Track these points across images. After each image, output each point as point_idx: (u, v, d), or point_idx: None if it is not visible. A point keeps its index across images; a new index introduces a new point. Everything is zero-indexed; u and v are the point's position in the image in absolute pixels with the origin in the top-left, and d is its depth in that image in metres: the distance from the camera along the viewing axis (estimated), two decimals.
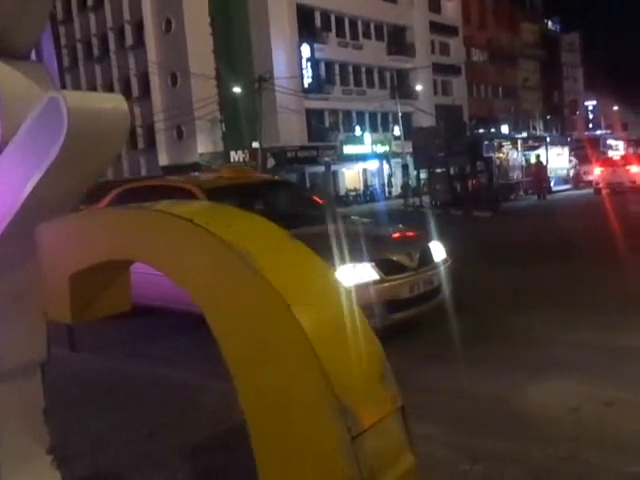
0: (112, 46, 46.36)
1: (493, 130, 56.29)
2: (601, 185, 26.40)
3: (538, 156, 33.52)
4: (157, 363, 5.76)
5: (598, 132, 63.93)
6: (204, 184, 6.27)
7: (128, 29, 44.64)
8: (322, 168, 44.03)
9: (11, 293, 2.38)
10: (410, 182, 39.74)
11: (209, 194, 6.03)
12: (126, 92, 45.00)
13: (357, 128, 46.52)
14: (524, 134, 61.51)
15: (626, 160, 29.28)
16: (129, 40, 44.81)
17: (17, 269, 2.34)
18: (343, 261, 5.35)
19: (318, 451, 1.38)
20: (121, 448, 3.86)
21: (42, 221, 2.12)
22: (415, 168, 43.66)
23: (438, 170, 33.17)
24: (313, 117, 44.66)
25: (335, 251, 5.26)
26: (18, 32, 2.31)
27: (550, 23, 74.54)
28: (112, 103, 2.12)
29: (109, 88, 45.65)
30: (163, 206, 1.92)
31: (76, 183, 2.24)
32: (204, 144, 42.04)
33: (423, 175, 38.48)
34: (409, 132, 46.69)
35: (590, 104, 78.32)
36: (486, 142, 41.23)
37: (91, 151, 2.09)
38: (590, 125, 75.59)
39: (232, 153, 41.23)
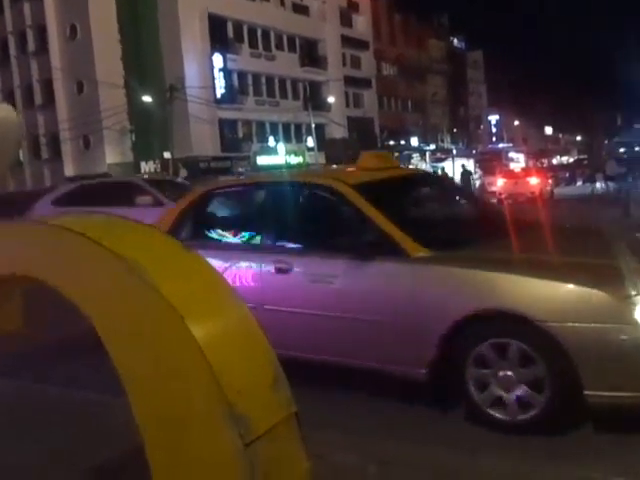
0: (13, 51, 44.33)
1: (403, 142, 57.98)
2: (503, 195, 27.61)
3: (443, 168, 34.79)
4: (63, 383, 5.54)
5: (501, 145, 67.01)
6: (348, 178, 4.91)
7: (30, 34, 42.86)
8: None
9: None
10: None
11: (360, 191, 4.64)
12: (28, 99, 43.12)
13: (271, 139, 46.60)
14: (432, 146, 63.78)
15: (526, 172, 30.85)
16: (31, 45, 43.02)
17: None
18: None
19: (212, 460, 1.39)
20: (19, 472, 3.68)
21: None
22: None
23: None
24: (226, 127, 44.39)
25: None
26: None
27: (456, 40, 77.63)
28: (1, 112, 2.06)
29: (9, 95, 43.58)
30: (59, 220, 1.88)
31: None
32: (113, 154, 40.86)
33: None
34: (322, 143, 47.29)
35: (493, 119, 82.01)
36: (396, 154, 42.33)
37: None
38: (494, 139, 79.17)
39: (142, 164, 40.30)
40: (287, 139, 48.09)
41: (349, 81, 55.69)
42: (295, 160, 46.58)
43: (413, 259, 4.17)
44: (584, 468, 3.37)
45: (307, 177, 5.65)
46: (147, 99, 38.23)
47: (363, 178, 4.99)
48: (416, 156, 56.43)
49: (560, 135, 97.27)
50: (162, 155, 39.14)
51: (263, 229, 5.01)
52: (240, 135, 45.87)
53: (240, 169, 43.47)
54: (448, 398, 4.19)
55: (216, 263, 4.59)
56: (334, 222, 5.08)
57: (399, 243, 4.25)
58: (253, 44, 47.19)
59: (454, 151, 58.74)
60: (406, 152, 56.57)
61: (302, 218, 5.23)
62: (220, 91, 43.05)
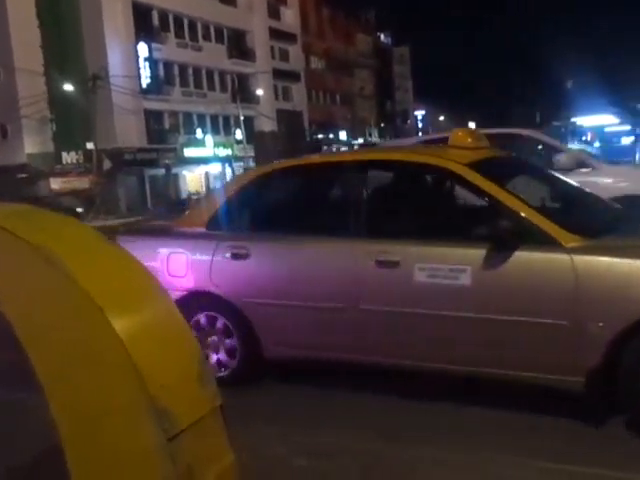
0: None
1: (332, 136, 58.40)
2: None
3: None
4: None
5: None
6: (460, 157, 4.19)
7: None
8: (162, 171, 42.91)
9: None
10: None
11: (481, 172, 4.00)
12: None
13: (198, 131, 45.93)
14: (360, 140, 64.53)
15: None
16: None
17: None
18: None
19: (133, 454, 1.36)
20: None
21: None
22: None
23: None
24: (152, 118, 43.38)
25: None
26: None
27: (382, 36, 78.69)
28: None
29: None
30: None
31: None
32: (32, 144, 39.19)
33: None
34: (251, 136, 47.01)
35: (419, 113, 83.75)
36: (325, 147, 42.59)
37: None
38: (420, 133, 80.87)
39: (64, 154, 38.86)
40: (215, 131, 47.52)
41: (278, 74, 55.52)
42: (223, 152, 46.13)
43: (569, 249, 3.53)
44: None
45: (409, 156, 4.56)
46: (68, 88, 36.87)
47: (475, 157, 4.25)
48: (344, 149, 56.90)
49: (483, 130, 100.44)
50: (85, 146, 37.88)
51: (354, 216, 4.26)
52: (166, 126, 44.96)
53: (167, 161, 42.67)
54: (603, 409, 3.68)
55: (285, 255, 4.37)
56: (451, 207, 4.58)
57: (547, 231, 3.62)
58: (180, 34, 46.29)
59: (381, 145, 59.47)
60: (334, 145, 57.01)
61: (408, 203, 4.55)
62: (145, 81, 42.00)
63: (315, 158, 5.42)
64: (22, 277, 1.47)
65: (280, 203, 5.07)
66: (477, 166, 4.06)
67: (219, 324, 4.57)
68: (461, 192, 4.41)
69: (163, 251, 4.78)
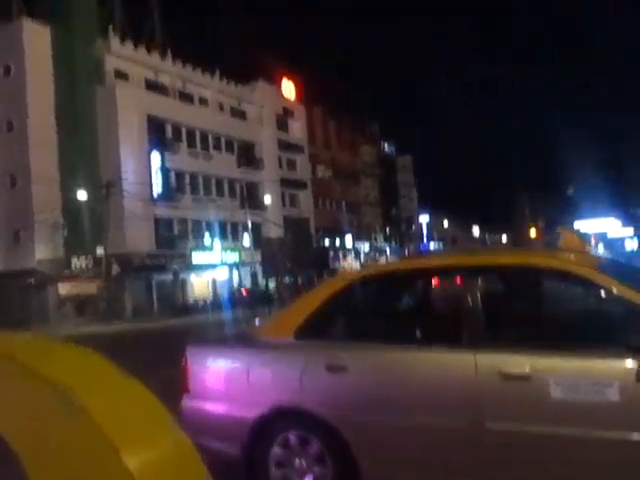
0: None
1: (338, 241, 59.16)
2: None
3: None
4: None
5: (432, 245, 69.22)
6: (582, 261, 3.98)
7: None
8: (170, 276, 43.25)
9: None
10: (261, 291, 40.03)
11: (608, 273, 3.83)
12: None
13: (207, 236, 46.69)
14: (367, 245, 65.28)
15: None
16: None
17: None
18: None
19: None
20: None
21: None
22: (264, 277, 44.30)
23: (286, 279, 33.88)
24: (162, 225, 44.27)
25: None
26: None
27: (386, 146, 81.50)
28: None
29: None
30: None
31: None
32: (43, 250, 39.82)
33: (272, 284, 38.99)
34: (259, 242, 47.71)
35: (424, 220, 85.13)
36: (332, 253, 43.00)
37: None
38: (424, 239, 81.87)
39: (74, 259, 39.39)
40: (223, 237, 48.28)
41: (285, 182, 57.16)
42: (231, 258, 46.65)
43: None
44: None
45: (527, 259, 4.17)
46: (82, 195, 37.93)
47: (593, 260, 4.01)
48: (351, 255, 57.47)
49: (486, 235, 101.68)
50: (95, 251, 38.45)
51: (469, 324, 3.92)
52: (176, 232, 45.77)
53: (175, 266, 43.10)
54: None
55: (390, 367, 3.99)
56: (582, 314, 4.23)
57: None
58: (191, 144, 48.14)
59: (387, 250, 60.22)
60: (341, 251, 57.64)
61: (531, 309, 4.29)
62: (157, 189, 43.25)
63: (417, 262, 5.00)
64: (33, 412, 1.50)
65: (380, 310, 4.74)
66: (604, 269, 3.80)
67: (312, 447, 4.06)
68: (579, 296, 4.12)
69: (244, 362, 4.42)
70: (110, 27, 44.45)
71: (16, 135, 39.79)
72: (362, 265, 37.92)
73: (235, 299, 41.12)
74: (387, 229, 74.57)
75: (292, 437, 4.12)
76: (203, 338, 6.09)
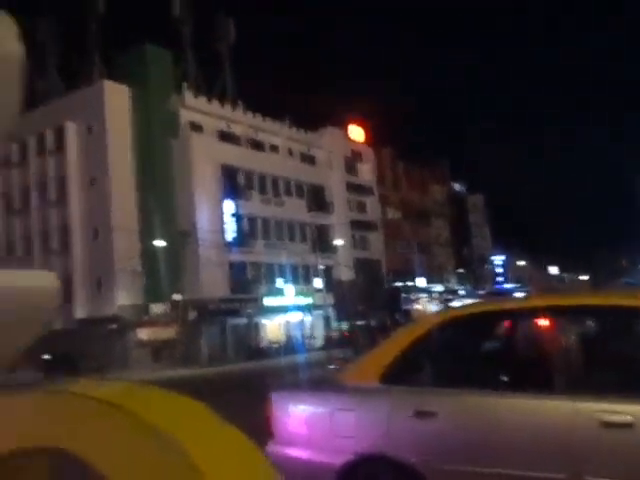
0: (34, 200, 46.13)
1: (410, 283, 58.52)
2: None
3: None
4: None
5: (507, 285, 67.40)
6: None
7: (52, 184, 44.91)
8: (244, 320, 43.83)
9: None
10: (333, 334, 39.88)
11: None
12: (45, 246, 44.31)
13: (279, 280, 47.21)
14: (439, 287, 64.25)
15: None
16: (52, 195, 44.94)
17: None
18: None
19: None
20: None
21: None
22: (337, 320, 44.19)
23: (359, 322, 33.66)
24: (235, 270, 45.13)
25: None
26: None
27: (457, 185, 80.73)
28: (40, 281, 2.18)
29: (27, 240, 44.90)
30: (78, 387, 1.96)
31: None
32: (124, 296, 41.31)
33: (344, 327, 38.78)
34: (330, 284, 47.82)
35: (498, 259, 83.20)
36: (404, 295, 42.46)
37: (12, 329, 2.13)
38: (499, 278, 79.85)
39: (152, 305, 40.64)
40: (295, 280, 48.70)
41: (355, 224, 57.37)
42: (303, 301, 46.91)
43: None
44: None
45: (621, 300, 3.98)
46: (160, 243, 39.30)
47: None
48: (424, 297, 56.65)
49: (565, 274, 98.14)
50: (171, 297, 39.58)
51: (564, 369, 3.82)
52: (249, 277, 46.53)
53: (248, 311, 43.71)
54: None
55: (484, 414, 3.88)
56: None
57: None
58: (263, 190, 49.23)
59: (462, 292, 59.02)
60: (413, 294, 56.90)
61: (631, 353, 4.10)
62: (231, 235, 44.31)
63: (507, 303, 4.88)
64: (140, 459, 1.56)
65: (467, 354, 4.65)
66: None
67: None
68: None
69: (328, 408, 4.37)
70: (184, 83, 46.55)
71: (98, 189, 41.92)
72: (443, 307, 37.24)
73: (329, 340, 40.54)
74: (459, 270, 73.28)
75: None
76: (286, 383, 6.10)
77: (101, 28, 47.73)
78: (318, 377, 6.05)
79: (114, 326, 39.22)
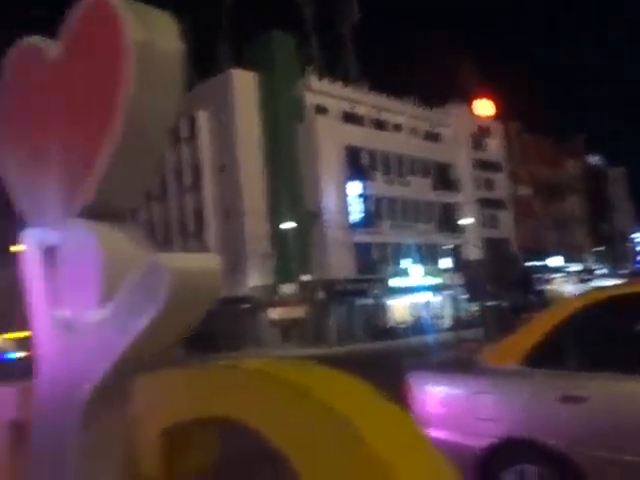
0: (171, 187, 48.86)
1: (544, 263, 56.04)
2: None
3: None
4: None
5: None
6: None
7: (187, 170, 47.32)
8: (371, 300, 44.11)
9: (97, 445, 2.45)
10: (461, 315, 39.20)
11: None
12: (182, 230, 46.96)
13: (404, 261, 46.96)
14: (575, 266, 61.00)
15: None
16: (187, 180, 47.39)
17: (106, 421, 2.42)
18: None
19: None
20: None
21: (134, 376, 2.21)
22: (469, 301, 43.37)
23: (489, 303, 32.78)
24: (361, 251, 45.41)
25: None
26: (120, 200, 2.56)
27: (593, 158, 75.89)
28: (207, 263, 2.28)
29: (165, 225, 47.73)
30: (266, 366, 2.01)
31: (168, 340, 2.35)
32: (255, 277, 42.94)
33: (474, 307, 37.96)
34: (457, 265, 46.90)
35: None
36: (537, 275, 40.71)
37: (186, 309, 2.23)
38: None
39: (281, 286, 41.94)
40: (421, 261, 48.23)
41: (483, 202, 55.68)
42: (430, 282, 46.40)
43: None
44: None
45: None
46: (288, 225, 40.37)
47: None
48: (560, 276, 54.07)
49: None
50: (300, 278, 40.61)
51: None
52: (375, 258, 46.67)
53: (375, 291, 43.96)
54: None
55: (631, 397, 3.77)
56: None
57: None
58: (387, 170, 48.99)
59: (601, 271, 55.74)
60: (548, 273, 54.49)
61: None
62: (356, 216, 44.62)
63: None
64: (316, 436, 1.58)
65: (617, 337, 4.39)
66: None
67: None
68: None
69: (466, 390, 4.34)
70: (309, 67, 47.17)
71: (229, 175, 43.68)
72: (583, 288, 35.48)
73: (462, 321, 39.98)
74: (597, 248, 69.03)
75: (526, 469, 3.91)
76: (422, 364, 6.04)
77: (230, 17, 49.45)
78: (454, 358, 5.98)
79: (247, 306, 40.92)
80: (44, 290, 2.65)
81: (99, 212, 2.47)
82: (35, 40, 2.72)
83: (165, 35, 2.31)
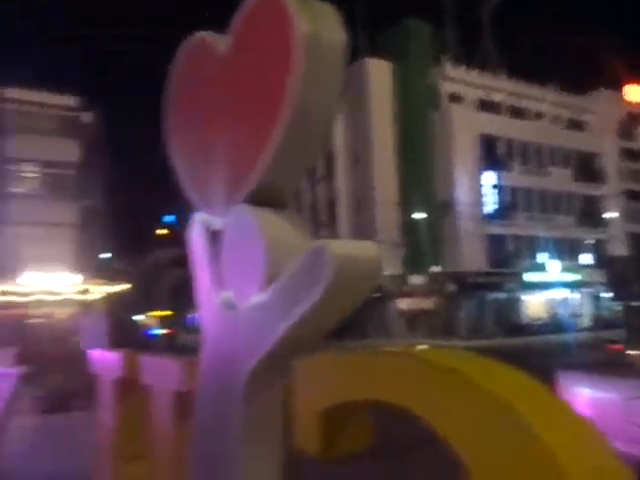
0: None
1: None
2: None
3: None
4: None
5: None
6: None
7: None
8: (504, 295, 42.70)
9: (257, 419, 2.58)
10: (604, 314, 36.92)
11: None
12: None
13: (541, 255, 44.93)
14: None
15: None
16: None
17: (266, 398, 2.55)
18: None
19: None
20: None
21: (293, 357, 2.31)
22: (613, 300, 40.78)
23: (635, 303, 30.63)
24: (495, 243, 44.00)
25: None
26: (283, 187, 2.67)
27: None
28: (367, 250, 2.33)
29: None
30: (418, 352, 2.03)
31: (327, 324, 2.43)
32: (385, 267, 42.97)
33: (617, 307, 35.59)
34: (599, 261, 44.17)
35: None
36: None
37: (346, 295, 2.29)
38: None
39: (410, 277, 41.65)
40: (559, 256, 45.89)
41: (630, 195, 51.86)
42: (568, 278, 44.11)
43: None
44: None
45: None
46: (420, 216, 39.98)
47: None
48: None
49: None
50: (429, 269, 40.12)
51: None
52: (509, 251, 45.06)
53: (508, 285, 42.50)
54: None
55: None
56: None
57: None
58: (525, 160, 47.02)
59: None
60: None
61: None
62: (491, 207, 43.31)
63: None
64: (479, 423, 1.57)
65: None
66: None
67: None
68: None
69: (622, 394, 4.22)
70: (444, 55, 46.22)
71: (361, 165, 43.94)
72: None
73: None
74: None
75: None
76: (571, 364, 5.79)
77: (366, 6, 49.57)
78: (605, 360, 5.68)
79: (378, 295, 41.08)
80: (210, 272, 2.84)
81: (261, 199, 2.59)
82: (205, 35, 2.90)
83: (330, 27, 2.36)
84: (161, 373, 3.13)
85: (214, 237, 2.86)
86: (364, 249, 2.35)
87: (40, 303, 22.05)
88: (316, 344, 2.44)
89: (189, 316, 50.08)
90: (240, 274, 2.62)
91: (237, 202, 2.66)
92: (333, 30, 2.37)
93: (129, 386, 3.43)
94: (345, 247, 2.30)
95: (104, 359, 3.67)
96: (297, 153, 2.48)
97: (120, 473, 3.48)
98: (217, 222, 2.83)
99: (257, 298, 2.48)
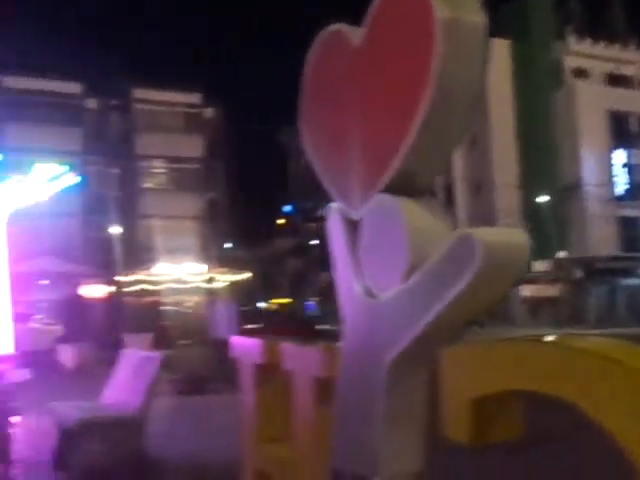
0: None
1: None
2: None
3: None
4: None
5: None
6: None
7: None
8: (637, 280, 40.15)
9: (399, 407, 2.60)
10: None
11: None
12: None
13: None
14: None
15: None
16: None
17: (409, 386, 2.56)
18: None
19: None
20: None
21: (436, 346, 2.30)
22: None
23: None
24: (627, 226, 41.36)
25: None
26: (424, 174, 2.65)
27: None
28: (516, 238, 2.28)
29: None
30: (565, 341, 1.97)
31: (472, 312, 2.40)
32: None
33: None
34: None
35: None
36: None
37: (493, 284, 2.25)
38: None
39: (535, 262, 40.04)
40: None
41: None
42: None
43: None
44: None
45: None
46: (542, 198, 38.33)
47: None
48: None
49: None
50: (555, 254, 38.39)
51: None
52: None
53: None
54: None
55: None
56: None
57: None
58: None
59: None
60: None
61: None
62: (621, 188, 40.75)
63: None
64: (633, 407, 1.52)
65: None
66: None
67: None
68: None
69: None
70: (567, 28, 43.82)
71: (480, 148, 42.66)
72: None
73: None
74: None
75: None
76: None
77: None
78: None
79: None
80: (349, 261, 2.88)
81: (401, 188, 2.59)
82: (339, 27, 2.92)
83: (469, 10, 2.32)
84: (302, 359, 3.23)
85: (352, 227, 2.90)
86: (512, 236, 2.30)
87: (171, 291, 23.32)
88: (459, 332, 2.42)
89: (307, 303, 51.19)
90: (381, 263, 2.64)
91: (376, 191, 2.68)
92: (472, 12, 2.33)
93: (269, 371, 3.56)
94: (493, 234, 2.27)
95: (246, 345, 3.83)
96: (439, 138, 2.46)
97: (262, 453, 3.63)
98: (354, 213, 2.86)
99: (400, 286, 2.49)
